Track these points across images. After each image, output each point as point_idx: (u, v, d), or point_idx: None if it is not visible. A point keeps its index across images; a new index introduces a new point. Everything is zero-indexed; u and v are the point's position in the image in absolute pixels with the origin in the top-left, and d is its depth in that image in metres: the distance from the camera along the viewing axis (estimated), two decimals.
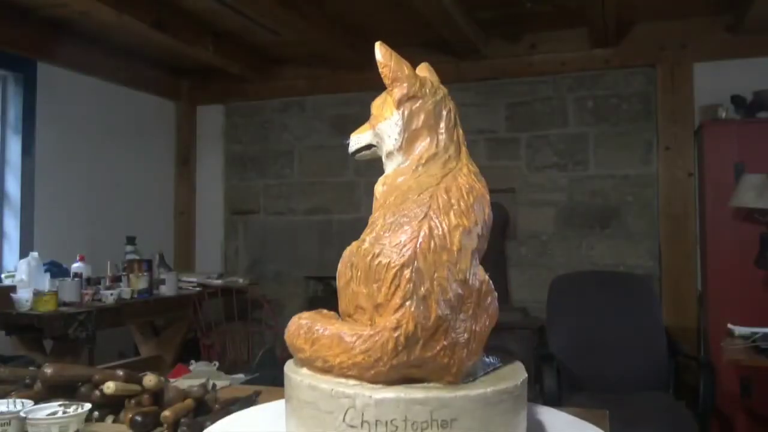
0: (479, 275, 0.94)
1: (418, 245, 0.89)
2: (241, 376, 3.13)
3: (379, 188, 1.03)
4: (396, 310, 0.87)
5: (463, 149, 1.05)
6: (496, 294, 0.97)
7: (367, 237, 0.95)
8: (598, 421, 1.15)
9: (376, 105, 1.09)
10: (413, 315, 0.87)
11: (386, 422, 0.83)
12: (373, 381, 0.88)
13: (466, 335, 0.91)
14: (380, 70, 1.04)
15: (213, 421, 1.17)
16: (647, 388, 3.07)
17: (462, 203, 0.94)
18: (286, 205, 4.68)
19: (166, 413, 1.21)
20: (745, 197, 3.14)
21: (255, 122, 4.82)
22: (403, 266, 0.88)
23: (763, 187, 3.10)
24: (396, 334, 0.87)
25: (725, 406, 3.27)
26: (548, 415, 1.16)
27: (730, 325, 2.90)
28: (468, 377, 0.93)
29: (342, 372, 0.89)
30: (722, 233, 3.38)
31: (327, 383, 0.89)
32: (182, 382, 1.47)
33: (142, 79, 4.50)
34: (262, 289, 4.39)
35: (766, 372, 3.00)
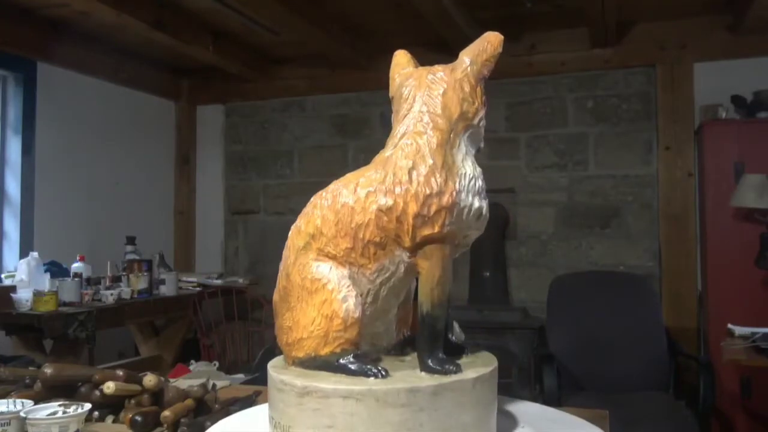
0: (305, 272, 0.99)
1: None
2: (241, 376, 3.13)
3: None
4: None
5: (395, 142, 1.00)
6: (341, 295, 0.96)
7: None
8: (598, 421, 1.15)
9: None
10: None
11: None
12: None
13: (288, 323, 1.01)
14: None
15: (213, 421, 1.17)
16: (647, 388, 3.07)
17: (310, 203, 1.05)
18: (286, 205, 4.68)
19: (166, 413, 1.21)
20: (745, 197, 3.14)
21: (255, 122, 4.82)
22: None
23: (763, 187, 3.10)
24: None
25: (725, 406, 3.27)
26: (548, 414, 1.16)
27: (730, 325, 2.90)
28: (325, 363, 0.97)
29: None
30: (722, 233, 3.38)
31: None
32: (182, 382, 1.47)
33: (142, 79, 4.50)
34: (262, 289, 4.39)
35: (766, 372, 3.00)
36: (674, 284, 3.77)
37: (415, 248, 0.97)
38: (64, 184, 3.90)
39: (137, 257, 3.66)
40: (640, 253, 3.89)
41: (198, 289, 3.97)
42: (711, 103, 3.59)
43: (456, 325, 1.14)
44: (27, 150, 3.69)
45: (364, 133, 4.42)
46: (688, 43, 3.78)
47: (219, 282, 4.11)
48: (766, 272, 3.19)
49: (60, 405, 1.17)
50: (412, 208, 0.95)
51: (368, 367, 0.94)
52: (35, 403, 1.19)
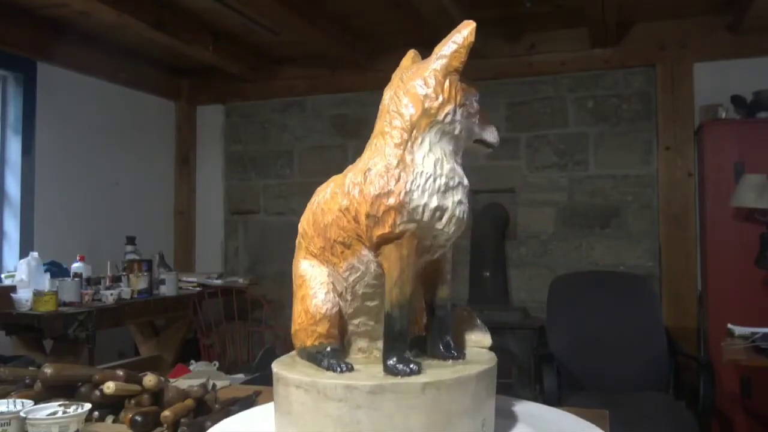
0: (295, 270, 1.09)
1: None
2: (241, 376, 3.13)
3: None
4: None
5: (370, 143, 1.04)
6: (312, 291, 1.04)
7: None
8: (598, 421, 1.15)
9: None
10: None
11: None
12: None
13: (292, 316, 1.08)
14: None
15: (213, 421, 1.17)
16: (647, 388, 3.07)
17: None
18: (286, 205, 4.68)
19: (166, 413, 1.20)
20: (745, 197, 3.14)
21: (255, 122, 4.82)
22: None
23: (763, 187, 3.10)
24: None
25: (725, 406, 3.27)
26: (548, 414, 1.16)
27: (730, 325, 2.90)
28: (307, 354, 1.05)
29: None
30: (722, 233, 3.38)
31: None
32: (182, 382, 1.47)
33: (142, 79, 4.50)
34: (262, 289, 4.39)
35: (766, 372, 3.00)
36: (674, 284, 3.77)
37: (376, 248, 0.97)
38: (64, 184, 3.90)
39: (137, 257, 3.66)
40: (640, 253, 3.89)
41: (198, 289, 3.97)
42: (711, 103, 3.59)
43: (483, 328, 1.13)
44: (27, 150, 3.69)
45: (364, 133, 4.33)
46: (688, 43, 3.78)
47: (219, 282, 4.11)
48: (766, 272, 3.19)
49: (60, 405, 1.17)
50: (364, 209, 0.96)
51: (332, 361, 0.98)
52: (35, 403, 1.19)
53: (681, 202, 3.78)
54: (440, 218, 0.96)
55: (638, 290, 3.39)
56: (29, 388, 1.33)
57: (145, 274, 3.53)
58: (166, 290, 3.66)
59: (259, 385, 1.58)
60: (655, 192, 3.86)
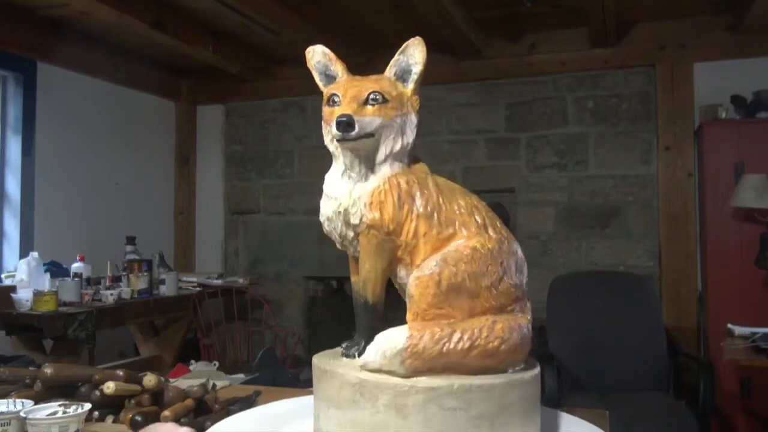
0: None
1: None
2: (241, 376, 3.13)
3: (431, 184, 1.03)
4: None
5: None
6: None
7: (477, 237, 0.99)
8: (598, 421, 1.15)
9: (393, 91, 1.00)
10: None
11: None
12: None
13: None
14: (421, 67, 1.00)
15: (213, 421, 1.17)
16: (647, 388, 3.06)
17: None
18: (286, 205, 4.68)
19: (166, 413, 1.20)
20: (745, 197, 3.14)
21: (255, 122, 4.82)
22: None
23: (763, 187, 3.11)
24: None
25: (725, 406, 3.27)
26: (548, 415, 1.16)
27: (730, 325, 2.90)
28: None
29: None
30: (722, 233, 3.38)
31: None
32: (182, 382, 1.46)
33: (142, 79, 4.50)
34: (262, 289, 4.39)
35: (766, 372, 3.00)
36: (674, 284, 3.77)
37: None
38: (64, 184, 3.90)
39: (137, 257, 3.66)
40: (640, 253, 3.89)
41: (198, 289, 3.97)
42: (711, 103, 3.59)
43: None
44: (27, 150, 3.69)
45: None
46: (688, 43, 3.78)
47: (219, 282, 4.11)
48: (766, 272, 3.19)
49: (60, 405, 1.16)
50: None
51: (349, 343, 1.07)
52: (35, 403, 1.19)
53: (681, 202, 3.78)
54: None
55: (638, 290, 3.39)
56: (29, 388, 1.33)
57: (145, 274, 3.53)
58: (166, 290, 3.66)
59: (259, 385, 1.58)
60: (655, 192, 3.86)
